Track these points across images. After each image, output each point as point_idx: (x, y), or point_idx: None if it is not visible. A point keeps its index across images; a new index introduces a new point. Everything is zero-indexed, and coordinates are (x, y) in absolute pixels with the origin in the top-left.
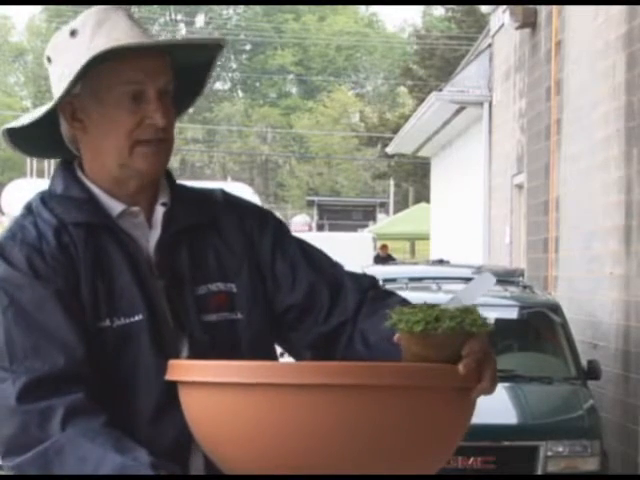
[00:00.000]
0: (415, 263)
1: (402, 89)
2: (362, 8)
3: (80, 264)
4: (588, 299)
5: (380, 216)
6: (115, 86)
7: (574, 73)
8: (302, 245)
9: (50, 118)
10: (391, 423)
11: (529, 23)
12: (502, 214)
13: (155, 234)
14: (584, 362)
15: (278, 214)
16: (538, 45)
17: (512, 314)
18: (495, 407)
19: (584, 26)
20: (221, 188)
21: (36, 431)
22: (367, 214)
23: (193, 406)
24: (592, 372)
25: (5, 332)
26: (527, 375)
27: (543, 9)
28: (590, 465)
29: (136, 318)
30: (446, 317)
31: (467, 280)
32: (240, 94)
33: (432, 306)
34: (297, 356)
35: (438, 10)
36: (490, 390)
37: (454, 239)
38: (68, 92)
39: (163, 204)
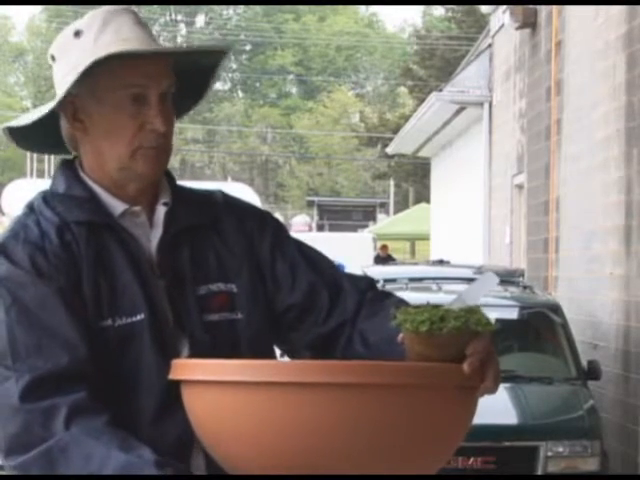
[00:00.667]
0: (415, 263)
1: (402, 89)
2: (362, 8)
3: (82, 262)
4: (588, 299)
5: (380, 216)
6: (116, 88)
7: (574, 73)
8: (301, 246)
9: (52, 116)
10: (395, 422)
11: (529, 23)
12: (502, 214)
13: (156, 233)
14: (584, 362)
15: (278, 214)
16: (538, 45)
17: (512, 314)
18: (495, 407)
19: (584, 26)
20: (220, 190)
21: (39, 430)
22: (367, 214)
23: (196, 405)
24: (592, 372)
25: (8, 330)
26: (527, 375)
27: (543, 9)
28: (590, 465)
29: (137, 317)
30: (451, 317)
31: (467, 280)
32: (240, 94)
33: (436, 306)
34: (296, 357)
35: (438, 10)
36: (493, 389)
37: (454, 239)
38: (69, 92)
39: (164, 204)
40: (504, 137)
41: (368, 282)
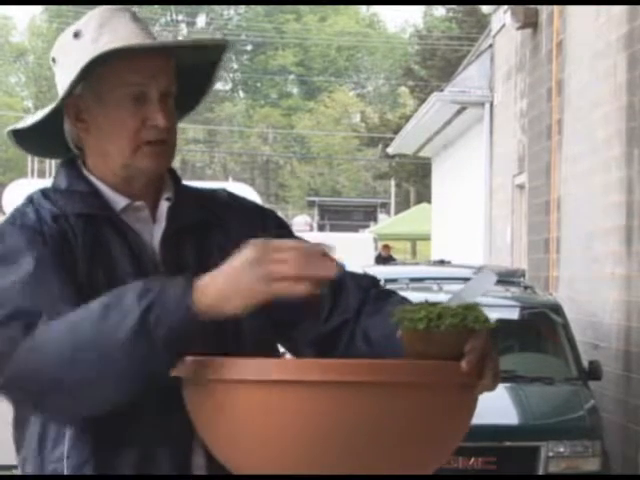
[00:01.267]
0: (416, 263)
1: (403, 89)
2: (363, 8)
3: (78, 251)
4: (589, 299)
5: (381, 216)
6: (117, 87)
7: (575, 73)
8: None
9: (55, 118)
10: (394, 420)
11: (530, 23)
12: (503, 214)
13: (159, 229)
14: (585, 362)
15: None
16: (539, 45)
17: (513, 314)
18: (496, 407)
19: (585, 26)
20: (224, 188)
21: (20, 337)
22: (368, 214)
23: (198, 404)
24: (593, 372)
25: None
26: (528, 375)
27: (544, 9)
28: (591, 465)
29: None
30: (448, 314)
31: (468, 280)
32: (241, 94)
33: (434, 304)
34: (298, 354)
35: (439, 10)
36: (492, 387)
37: (455, 239)
38: (70, 93)
39: (167, 199)
40: (505, 137)
41: (371, 280)
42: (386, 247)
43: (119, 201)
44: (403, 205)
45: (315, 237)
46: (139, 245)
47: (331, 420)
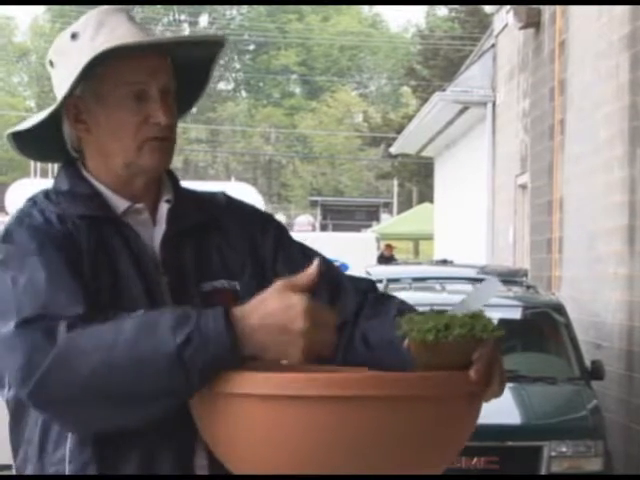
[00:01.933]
0: (419, 263)
1: (405, 89)
2: (365, 8)
3: (84, 252)
4: (592, 299)
5: (384, 216)
6: (117, 87)
7: (578, 73)
8: (302, 248)
9: (53, 121)
10: (402, 433)
11: (533, 23)
12: (506, 214)
13: (159, 231)
14: (588, 362)
15: (281, 214)
16: (542, 45)
17: (516, 314)
18: (499, 407)
19: (588, 26)
20: (223, 191)
21: (43, 345)
22: (370, 214)
23: (204, 414)
24: (596, 372)
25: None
26: (531, 375)
27: (547, 9)
28: (594, 465)
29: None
30: (457, 324)
31: (471, 280)
32: (243, 94)
33: (440, 312)
34: None
35: (442, 10)
36: (499, 393)
37: (458, 239)
38: (70, 94)
39: (167, 201)
40: (507, 137)
41: (369, 283)
42: (388, 247)
43: (120, 204)
44: (405, 205)
45: (317, 237)
46: (140, 247)
47: (336, 433)
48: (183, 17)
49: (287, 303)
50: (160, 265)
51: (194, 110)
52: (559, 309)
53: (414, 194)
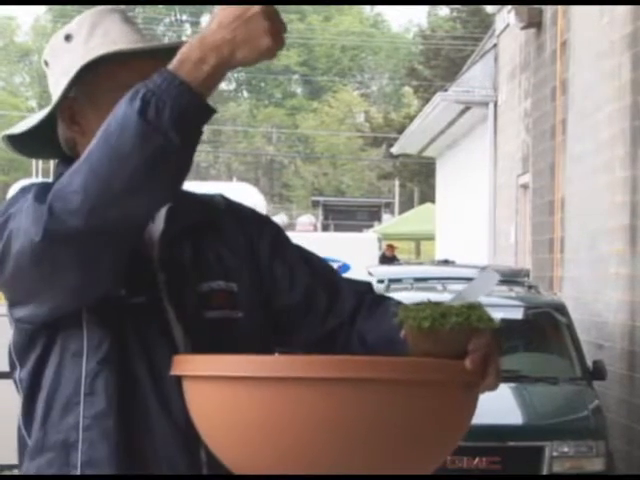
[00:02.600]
0: (420, 263)
1: (407, 89)
2: (367, 8)
3: None
4: (593, 299)
5: (385, 216)
6: (112, 90)
7: (579, 73)
8: (300, 249)
9: (50, 121)
10: (397, 417)
11: (534, 23)
12: (507, 214)
13: (157, 229)
14: (589, 362)
15: (283, 214)
16: (543, 45)
17: (517, 314)
18: (500, 407)
19: (589, 26)
20: (221, 193)
21: (41, 199)
22: (372, 214)
23: (198, 401)
24: (597, 372)
25: None
26: (532, 375)
27: (548, 9)
28: (595, 465)
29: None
30: (453, 313)
31: (472, 280)
32: (245, 94)
33: (437, 303)
34: None
35: (443, 10)
36: (494, 386)
37: (459, 239)
38: (64, 97)
39: None
40: (509, 137)
41: (366, 285)
42: (390, 247)
43: None
44: (407, 205)
45: (319, 237)
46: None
47: (331, 417)
48: (185, 17)
49: (235, 5)
50: (157, 263)
51: None
52: (561, 309)
53: (416, 194)
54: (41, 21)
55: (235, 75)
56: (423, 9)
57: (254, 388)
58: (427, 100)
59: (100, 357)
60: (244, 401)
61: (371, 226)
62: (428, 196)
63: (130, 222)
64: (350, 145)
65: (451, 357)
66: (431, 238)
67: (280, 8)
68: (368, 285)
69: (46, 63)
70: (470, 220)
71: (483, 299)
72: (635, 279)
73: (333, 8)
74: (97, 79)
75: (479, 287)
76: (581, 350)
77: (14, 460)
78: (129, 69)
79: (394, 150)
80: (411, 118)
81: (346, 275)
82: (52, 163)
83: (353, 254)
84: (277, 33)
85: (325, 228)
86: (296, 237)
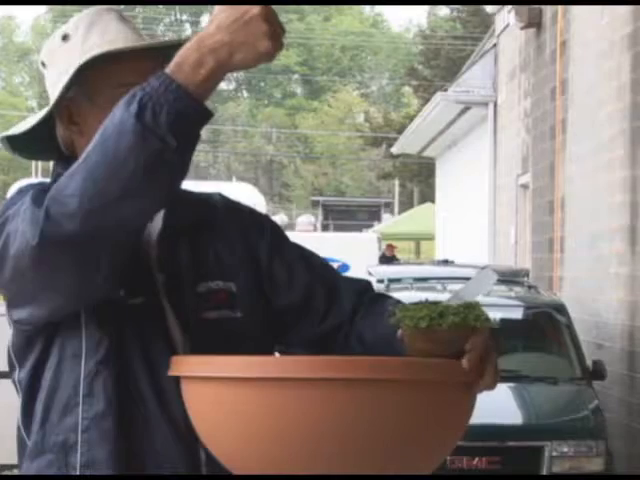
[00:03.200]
0: (420, 263)
1: (407, 89)
2: (367, 8)
3: None
4: (593, 299)
5: (385, 216)
6: (109, 89)
7: (579, 73)
8: (299, 248)
9: (48, 122)
10: (393, 417)
11: (534, 23)
12: (507, 214)
13: (155, 228)
14: (589, 362)
15: (283, 214)
16: (543, 45)
17: (517, 314)
18: (500, 407)
19: (589, 26)
20: (219, 192)
21: (39, 202)
22: (372, 214)
23: (195, 401)
24: (597, 372)
25: None
26: (532, 375)
27: (548, 9)
28: (595, 465)
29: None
30: (450, 313)
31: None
32: (245, 94)
33: (435, 303)
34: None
35: (443, 10)
36: (492, 385)
37: (459, 239)
38: (62, 97)
39: None
40: (509, 137)
41: (365, 284)
42: (390, 247)
43: None
44: (407, 205)
45: (319, 237)
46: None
47: (329, 418)
48: (185, 17)
49: (234, 6)
50: (155, 262)
51: None
52: (560, 309)
53: (415, 194)
54: (41, 21)
55: (235, 75)
56: (423, 9)
57: (252, 389)
58: (427, 100)
59: (99, 358)
60: (242, 402)
61: (371, 226)
62: (428, 196)
63: (127, 225)
64: (350, 145)
65: (449, 357)
66: (431, 238)
67: (279, 8)
68: (367, 284)
69: (43, 64)
70: (470, 220)
71: (483, 299)
72: (635, 279)
73: (333, 8)
74: (95, 79)
75: (477, 286)
76: (581, 350)
77: (14, 460)
78: (127, 68)
79: (394, 150)
80: (411, 118)
81: (346, 275)
82: (51, 163)
83: (353, 254)
84: (276, 36)
85: (325, 228)
86: (296, 237)
